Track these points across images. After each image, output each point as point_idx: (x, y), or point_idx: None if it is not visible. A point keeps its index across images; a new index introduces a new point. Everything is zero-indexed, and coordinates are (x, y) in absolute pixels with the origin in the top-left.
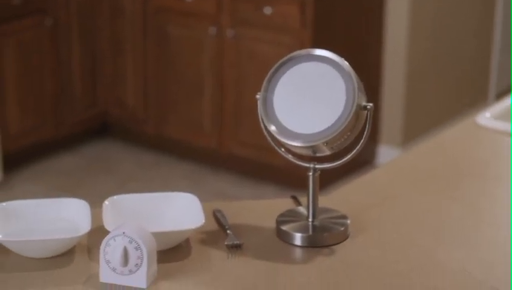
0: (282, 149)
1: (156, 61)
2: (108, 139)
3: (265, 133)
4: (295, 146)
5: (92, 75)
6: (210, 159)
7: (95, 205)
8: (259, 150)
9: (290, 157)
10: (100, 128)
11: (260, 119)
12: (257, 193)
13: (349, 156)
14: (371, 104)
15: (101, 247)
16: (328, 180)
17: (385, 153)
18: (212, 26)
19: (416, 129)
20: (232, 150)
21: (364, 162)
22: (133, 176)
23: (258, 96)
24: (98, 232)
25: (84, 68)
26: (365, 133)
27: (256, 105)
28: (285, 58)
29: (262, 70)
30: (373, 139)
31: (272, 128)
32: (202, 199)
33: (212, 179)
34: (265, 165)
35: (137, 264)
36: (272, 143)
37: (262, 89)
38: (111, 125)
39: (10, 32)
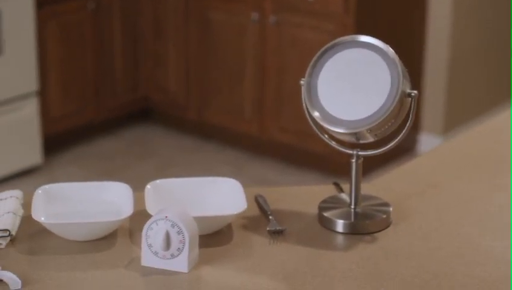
0: (326, 135)
1: (198, 47)
2: (149, 123)
3: (309, 119)
4: (338, 132)
5: (133, 60)
6: (251, 145)
7: (135, 189)
8: (300, 137)
9: (333, 143)
10: (141, 113)
11: (304, 105)
12: (298, 179)
13: (393, 143)
14: (415, 92)
15: (144, 231)
16: (368, 167)
17: (426, 141)
18: (254, 12)
19: (457, 117)
20: (273, 136)
21: (405, 149)
22: (173, 161)
23: (302, 82)
24: (140, 216)
25: (125, 52)
26: (408, 120)
27: (298, 91)
28: (329, 44)
29: (304, 57)
30: (415, 127)
31: (316, 114)
32: (243, 185)
33: (253, 165)
34: (306, 151)
35: (178, 248)
36: (315, 129)
37: (307, 75)
38: (152, 110)
39: (53, 16)
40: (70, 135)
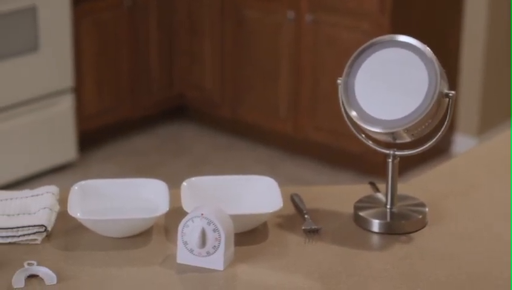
0: (362, 135)
1: (233, 45)
2: (183, 121)
3: (346, 118)
4: (375, 132)
5: (169, 57)
6: (285, 144)
7: (169, 186)
8: (335, 136)
9: (370, 143)
10: (175, 110)
11: (341, 104)
12: (332, 178)
13: (429, 144)
14: (453, 92)
15: (179, 228)
16: (403, 167)
17: (461, 142)
18: (290, 11)
19: (492, 118)
20: (308, 135)
21: (439, 150)
22: (207, 158)
23: (339, 81)
24: (175, 213)
25: (161, 50)
26: (446, 121)
27: (333, 90)
28: (367, 44)
29: (339, 56)
30: (449, 127)
31: (353, 113)
32: (278, 184)
33: (287, 164)
34: (341, 150)
35: (214, 246)
36: (352, 129)
37: (344, 74)
38: (187, 108)
39: (89, 13)
40: (105, 131)
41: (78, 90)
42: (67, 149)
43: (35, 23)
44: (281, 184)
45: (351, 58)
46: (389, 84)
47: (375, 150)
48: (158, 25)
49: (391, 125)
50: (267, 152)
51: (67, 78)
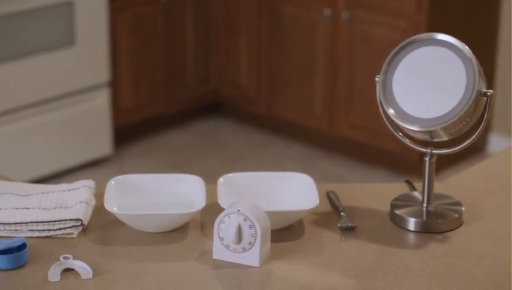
0: (400, 133)
1: (269, 41)
2: (219, 117)
3: (383, 116)
4: (412, 130)
5: (205, 53)
6: (320, 141)
7: (204, 182)
8: (370, 133)
9: (407, 141)
10: (211, 106)
11: (378, 102)
12: (366, 176)
13: (467, 142)
14: (491, 91)
15: (216, 224)
16: (438, 165)
17: (496, 141)
18: (327, 8)
19: None
20: (343, 132)
21: (474, 149)
22: (241, 155)
23: (377, 78)
24: (211, 209)
25: (197, 46)
26: (483, 120)
27: (369, 88)
28: (405, 42)
29: (375, 54)
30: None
31: (391, 111)
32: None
33: (321, 161)
34: (376, 148)
35: (250, 242)
36: (389, 127)
37: (382, 72)
38: (222, 104)
39: (125, 7)
40: (140, 126)
41: (114, 85)
42: (102, 144)
43: (72, 17)
44: (316, 181)
45: (390, 55)
46: (427, 82)
47: (410, 148)
48: (195, 21)
49: (429, 123)
50: (302, 149)
51: (103, 73)
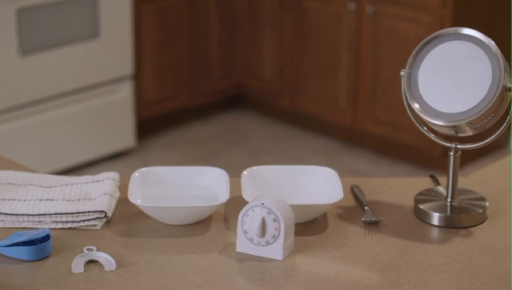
0: (424, 128)
1: (293, 35)
2: (242, 109)
3: (408, 110)
4: (437, 125)
5: (229, 46)
6: (343, 135)
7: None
8: (393, 128)
9: (432, 136)
10: (234, 99)
11: (403, 96)
12: (389, 171)
13: (492, 137)
14: None
15: (239, 217)
16: (461, 160)
17: None
18: (351, 2)
19: None
20: (366, 127)
21: (497, 144)
22: (265, 148)
23: (402, 72)
24: (234, 202)
25: (221, 39)
26: (509, 115)
27: (393, 82)
28: (431, 36)
29: (399, 48)
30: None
31: (415, 106)
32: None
33: (344, 155)
34: (399, 143)
35: (274, 235)
36: (414, 121)
37: (407, 66)
38: (246, 97)
39: (150, 0)
40: (163, 119)
41: (138, 77)
42: (125, 136)
43: (96, 9)
44: (338, 175)
45: (415, 49)
46: (452, 77)
47: (433, 143)
48: (219, 14)
49: (454, 118)
50: (325, 143)
51: (127, 66)
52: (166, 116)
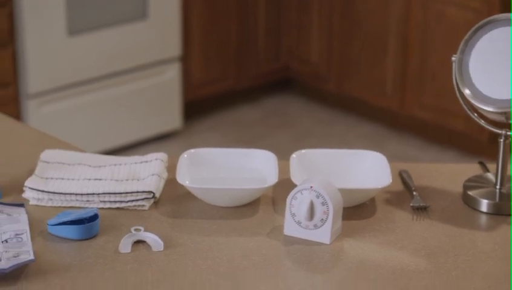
0: (475, 114)
1: (341, 19)
2: (288, 93)
3: (459, 96)
4: (488, 111)
5: (276, 29)
6: (390, 121)
7: None
8: (441, 114)
9: (482, 122)
10: (281, 83)
11: (454, 82)
12: (436, 156)
13: None
14: None
15: (288, 200)
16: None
17: None
18: None
19: None
20: (414, 112)
21: None
22: (310, 132)
23: (453, 58)
24: (282, 185)
25: (269, 21)
26: None
27: (441, 68)
28: (483, 21)
29: (448, 34)
30: None
31: (466, 91)
32: None
33: (390, 140)
34: (446, 129)
35: (322, 219)
36: (465, 107)
37: (459, 52)
38: (292, 80)
39: None
40: (210, 101)
41: (185, 59)
42: (172, 117)
43: None
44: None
45: (467, 35)
46: (504, 63)
47: (481, 130)
48: None
49: (505, 104)
50: (371, 128)
51: (175, 47)
52: (213, 98)
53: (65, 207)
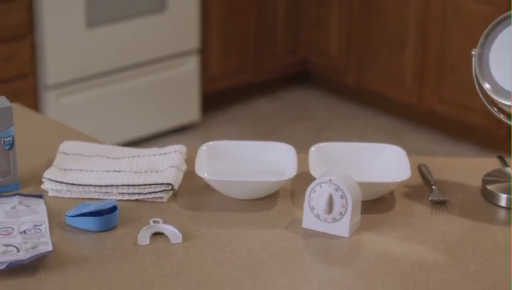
0: (495, 108)
1: (360, 12)
2: (307, 86)
3: (478, 90)
4: (508, 106)
5: (295, 22)
6: (408, 114)
7: None
8: (459, 108)
9: (502, 117)
10: (299, 75)
11: (474, 76)
12: (454, 150)
13: None
14: None
15: (307, 193)
16: None
17: None
18: None
19: None
20: (432, 106)
21: None
22: (329, 125)
23: (473, 52)
24: (301, 178)
25: (288, 14)
26: None
27: (460, 62)
28: (504, 15)
29: (467, 27)
30: None
31: (486, 86)
32: None
33: (409, 134)
34: (464, 123)
35: (341, 212)
36: (484, 101)
37: (479, 46)
38: (311, 73)
39: None
40: (228, 94)
41: (203, 51)
42: (190, 110)
43: None
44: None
45: (487, 29)
46: None
47: (499, 124)
48: None
49: None
50: (389, 121)
51: (193, 40)
52: (231, 91)
53: (83, 199)
